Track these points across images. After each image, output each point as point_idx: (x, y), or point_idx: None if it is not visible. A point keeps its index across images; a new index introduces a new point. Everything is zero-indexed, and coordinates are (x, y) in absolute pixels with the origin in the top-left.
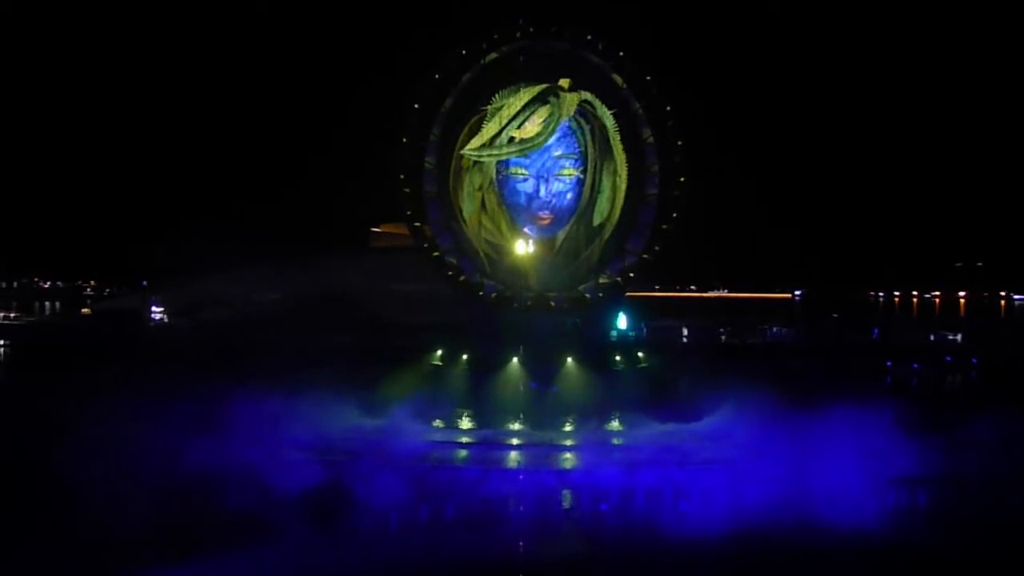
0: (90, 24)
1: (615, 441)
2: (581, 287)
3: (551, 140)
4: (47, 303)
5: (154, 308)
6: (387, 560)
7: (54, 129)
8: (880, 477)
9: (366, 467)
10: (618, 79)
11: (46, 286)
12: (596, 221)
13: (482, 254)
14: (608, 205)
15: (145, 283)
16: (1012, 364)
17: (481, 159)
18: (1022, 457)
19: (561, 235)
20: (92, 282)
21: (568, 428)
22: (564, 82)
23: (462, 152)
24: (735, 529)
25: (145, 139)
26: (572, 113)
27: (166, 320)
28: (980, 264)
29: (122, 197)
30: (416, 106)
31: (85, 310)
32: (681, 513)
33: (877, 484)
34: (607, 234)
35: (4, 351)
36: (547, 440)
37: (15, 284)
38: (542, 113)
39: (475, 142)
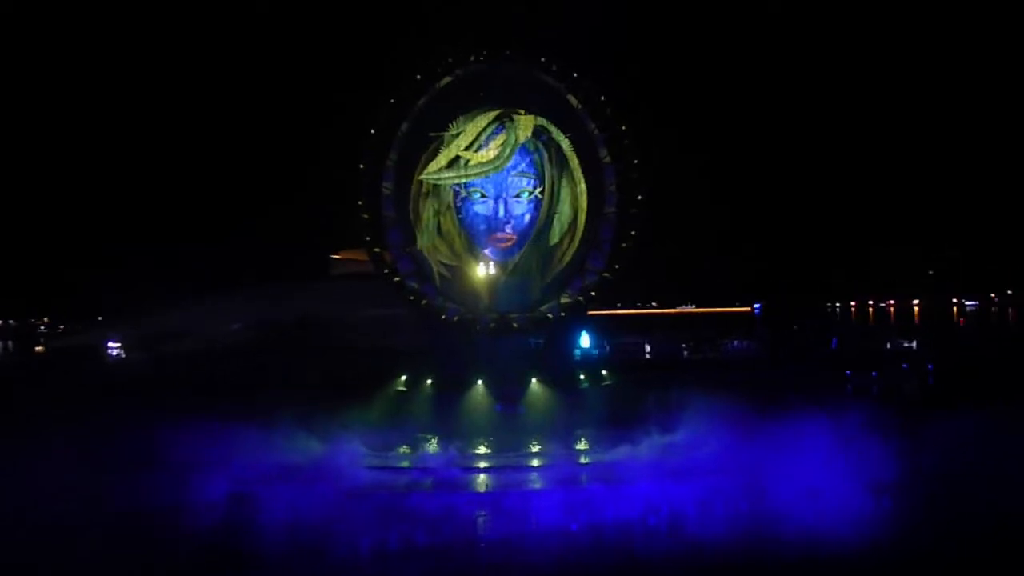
0: (37, 47)
1: (582, 460)
2: (543, 307)
3: (509, 163)
4: None
5: (111, 343)
6: None
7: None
8: (847, 484)
9: (326, 496)
10: (573, 100)
11: None
12: (554, 240)
13: (438, 277)
14: (567, 225)
15: (100, 318)
16: (966, 368)
17: (440, 182)
18: (990, 456)
19: (520, 256)
20: (45, 319)
21: (534, 448)
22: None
23: (421, 177)
24: (705, 542)
25: (97, 169)
26: (529, 135)
27: (123, 355)
28: (931, 272)
29: (74, 230)
30: (372, 131)
31: (39, 348)
32: (651, 528)
33: (845, 491)
34: (567, 254)
35: None
36: (513, 462)
37: None
38: (499, 138)
39: (432, 166)
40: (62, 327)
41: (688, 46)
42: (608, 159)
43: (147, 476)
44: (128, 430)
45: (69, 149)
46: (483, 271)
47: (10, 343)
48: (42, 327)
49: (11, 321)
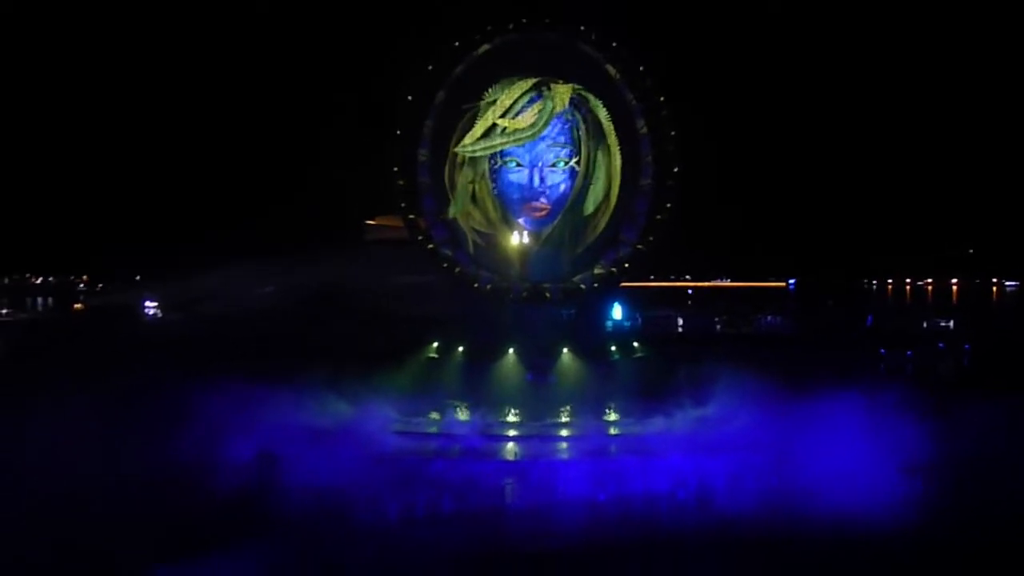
0: (80, 23)
1: (611, 431)
2: (576, 278)
3: (545, 131)
4: (39, 299)
5: (148, 303)
6: (382, 553)
7: (44, 124)
8: (880, 463)
9: (354, 461)
10: (612, 70)
11: (37, 281)
12: (588, 211)
13: (471, 245)
14: (602, 195)
15: (138, 277)
16: (1004, 350)
17: (476, 154)
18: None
19: (554, 226)
20: (84, 277)
21: (565, 418)
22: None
23: (456, 150)
24: (738, 517)
25: (136, 133)
26: (565, 105)
27: (160, 315)
28: (972, 251)
29: (114, 191)
30: (409, 98)
31: (78, 305)
32: (678, 502)
33: (879, 470)
34: (601, 224)
35: None
36: (544, 431)
37: (6, 280)
38: (536, 106)
39: (468, 138)
40: (101, 286)
41: (729, 18)
42: (645, 130)
43: (176, 435)
44: (159, 389)
45: (113, 115)
46: (517, 240)
47: (49, 300)
48: (81, 285)
49: (51, 278)
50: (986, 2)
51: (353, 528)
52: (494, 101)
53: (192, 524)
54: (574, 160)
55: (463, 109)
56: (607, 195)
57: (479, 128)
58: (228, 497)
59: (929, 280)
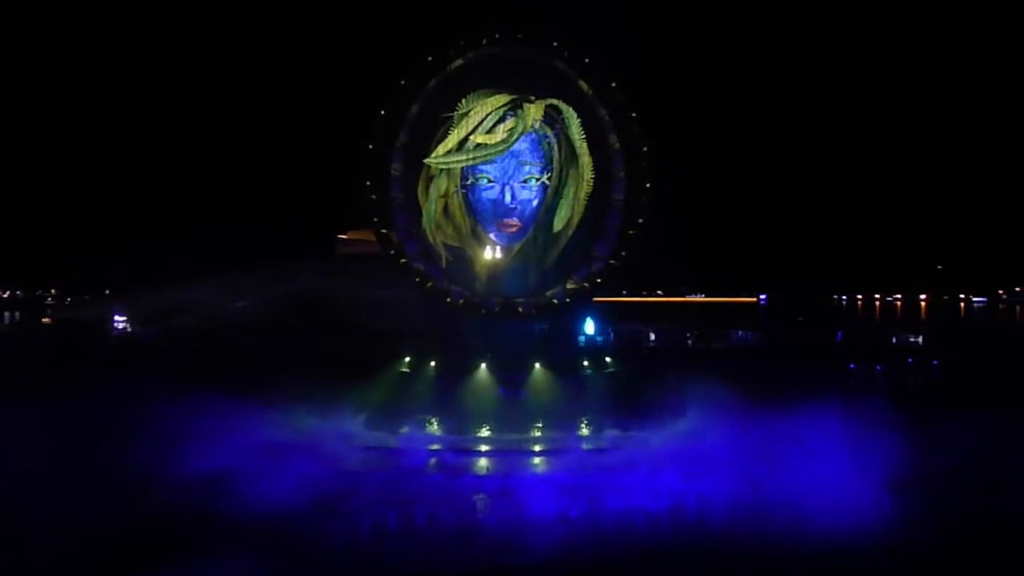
0: (51, 27)
1: (583, 446)
2: (549, 292)
3: (516, 147)
4: (6, 313)
5: (117, 317)
6: (349, 569)
7: (13, 133)
8: (851, 476)
9: (322, 475)
10: (584, 86)
11: (5, 295)
12: (559, 226)
13: (444, 260)
14: (573, 211)
15: (108, 292)
16: (971, 365)
17: (448, 166)
18: (990, 456)
19: (525, 241)
20: (52, 291)
21: (537, 433)
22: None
23: (428, 162)
24: (711, 531)
25: (105, 144)
26: (538, 122)
27: (129, 329)
28: (940, 268)
29: (83, 204)
30: (383, 112)
31: (45, 319)
32: (652, 517)
33: (851, 484)
34: (572, 240)
35: None
36: (516, 446)
37: None
38: (508, 123)
39: (440, 149)
40: (69, 299)
41: (703, 35)
42: (617, 146)
43: (142, 449)
44: (126, 404)
45: (85, 128)
46: (488, 255)
47: (16, 314)
48: (49, 299)
49: (18, 292)
50: (958, 21)
51: (318, 544)
52: (467, 113)
53: (148, 541)
54: (545, 176)
55: (437, 123)
56: (579, 211)
57: (452, 139)
58: (187, 513)
59: (898, 296)
